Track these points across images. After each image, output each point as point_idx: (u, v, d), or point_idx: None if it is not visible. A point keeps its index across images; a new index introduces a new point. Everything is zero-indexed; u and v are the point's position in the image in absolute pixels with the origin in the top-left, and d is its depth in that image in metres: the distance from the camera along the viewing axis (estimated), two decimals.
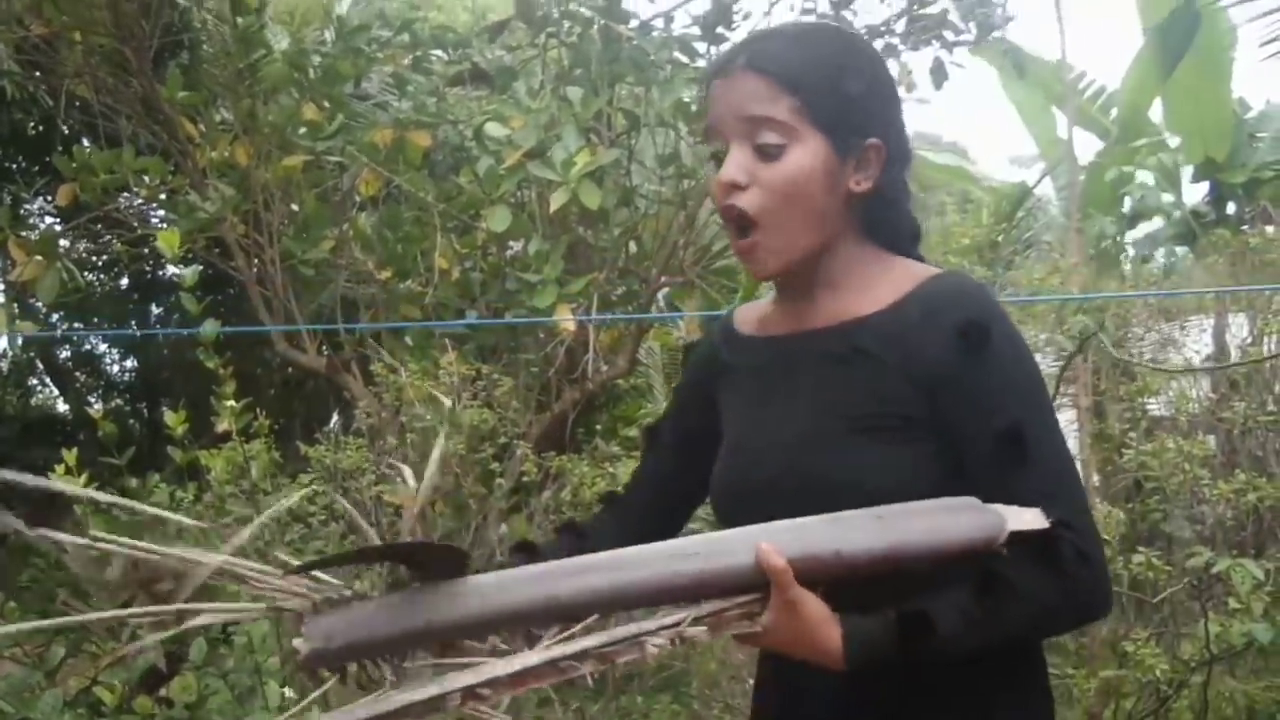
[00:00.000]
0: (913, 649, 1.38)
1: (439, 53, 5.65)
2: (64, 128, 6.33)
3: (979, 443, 1.47)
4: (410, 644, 1.28)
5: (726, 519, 1.58)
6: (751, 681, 1.78)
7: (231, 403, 3.51)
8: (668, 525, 1.79)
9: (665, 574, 1.36)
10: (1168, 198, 12.20)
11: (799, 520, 1.42)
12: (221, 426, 3.57)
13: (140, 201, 5.89)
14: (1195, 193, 12.75)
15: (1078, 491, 1.52)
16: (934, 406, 1.49)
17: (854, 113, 1.55)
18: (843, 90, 1.54)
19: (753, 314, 1.75)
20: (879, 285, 1.57)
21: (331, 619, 1.26)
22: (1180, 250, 10.78)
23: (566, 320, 4.70)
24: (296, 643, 1.24)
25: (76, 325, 8.43)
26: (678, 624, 1.34)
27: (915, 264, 1.62)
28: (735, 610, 1.38)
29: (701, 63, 5.02)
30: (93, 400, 9.47)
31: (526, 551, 1.64)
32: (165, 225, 5.75)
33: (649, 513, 1.80)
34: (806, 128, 1.52)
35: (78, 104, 5.96)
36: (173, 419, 3.55)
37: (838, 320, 1.57)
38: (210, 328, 3.48)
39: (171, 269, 7.29)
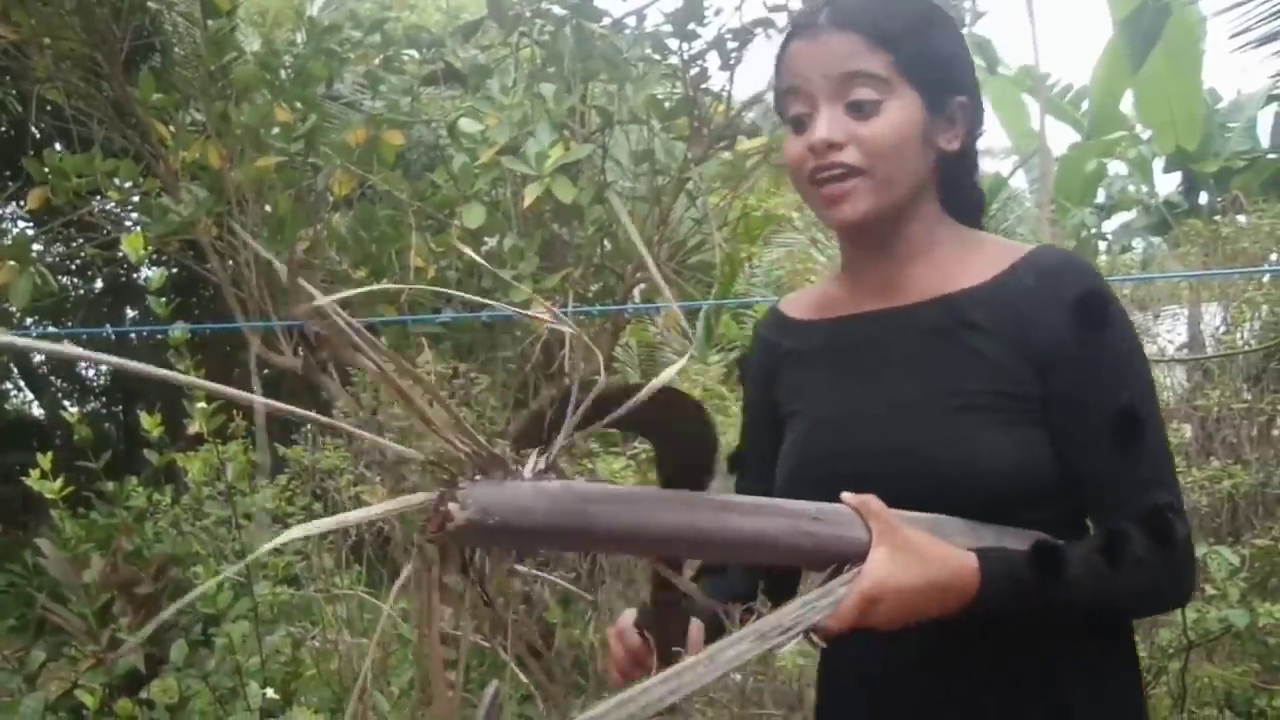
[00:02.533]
0: (1039, 584, 1.34)
1: (412, 52, 5.64)
2: (35, 132, 6.30)
3: (1094, 421, 1.43)
4: (561, 542, 1.20)
5: (805, 496, 1.46)
6: (739, 678, 1.76)
7: (202, 404, 3.49)
8: None
9: (798, 531, 1.31)
10: (1141, 188, 12.28)
11: (934, 515, 1.38)
12: (193, 428, 3.55)
13: (113, 205, 5.87)
14: (1168, 183, 12.84)
15: (1176, 474, 1.50)
16: (1046, 383, 1.45)
17: (944, 69, 1.52)
18: (933, 46, 1.51)
19: (808, 300, 1.70)
20: (972, 258, 1.53)
21: (489, 490, 1.14)
22: (1155, 240, 10.84)
23: (541, 315, 4.69)
24: (452, 507, 1.11)
25: (51, 330, 8.39)
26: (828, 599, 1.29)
27: (1000, 239, 1.61)
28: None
29: (673, 59, 5.02)
30: (68, 404, 9.43)
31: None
32: (139, 229, 5.73)
33: None
34: (901, 83, 1.48)
35: (49, 108, 5.94)
36: (149, 422, 3.55)
37: (936, 293, 1.52)
38: (180, 330, 3.46)
39: (146, 272, 7.26)
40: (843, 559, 1.31)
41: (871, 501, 1.33)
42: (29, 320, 8.01)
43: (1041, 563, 1.35)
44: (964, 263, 1.53)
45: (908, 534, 1.32)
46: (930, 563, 1.32)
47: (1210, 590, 3.39)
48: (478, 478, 1.15)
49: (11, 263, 5.32)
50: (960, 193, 1.60)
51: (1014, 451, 1.42)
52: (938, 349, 1.49)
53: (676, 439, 1.26)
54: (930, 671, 1.45)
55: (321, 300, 1.09)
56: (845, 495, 1.34)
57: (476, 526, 1.12)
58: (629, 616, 1.50)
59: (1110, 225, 12.35)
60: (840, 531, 1.32)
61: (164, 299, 3.55)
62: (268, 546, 1.13)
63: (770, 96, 5.43)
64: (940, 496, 1.40)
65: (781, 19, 4.93)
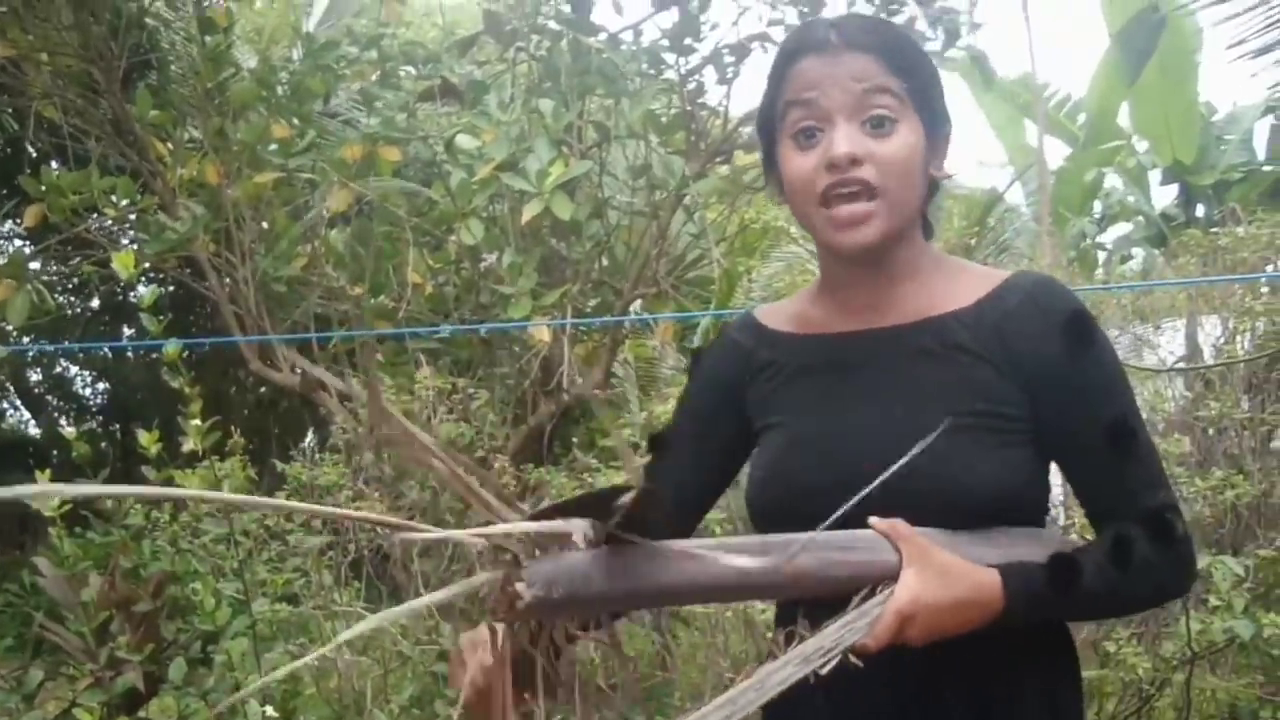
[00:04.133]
0: (1059, 595, 1.41)
1: (409, 68, 5.64)
2: (32, 149, 6.29)
3: (1088, 437, 1.49)
4: (622, 604, 1.28)
5: (788, 517, 1.48)
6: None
7: (197, 421, 3.48)
8: (680, 533, 1.74)
9: (830, 562, 1.36)
10: (1137, 200, 12.29)
11: (947, 531, 1.43)
12: (189, 446, 3.55)
13: (110, 222, 5.86)
14: (1165, 196, 12.85)
15: (1167, 476, 1.57)
16: (1036, 403, 1.50)
17: (936, 100, 1.57)
18: (930, 77, 1.56)
19: (785, 314, 1.70)
20: (955, 282, 1.57)
21: (551, 566, 1.21)
22: (1153, 252, 10.85)
23: (540, 325, 4.69)
24: (519, 587, 1.17)
25: (47, 347, 8.38)
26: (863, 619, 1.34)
27: (976, 265, 1.66)
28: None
29: (670, 74, 5.02)
30: (65, 423, 9.42)
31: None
32: (136, 246, 5.72)
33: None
34: (909, 108, 1.52)
35: (46, 125, 5.93)
36: (146, 439, 3.54)
37: (922, 315, 1.55)
38: (173, 347, 3.45)
39: (143, 289, 7.26)
40: (875, 581, 1.37)
41: (900, 525, 1.39)
42: (25, 338, 8.00)
43: (1059, 575, 1.41)
44: (947, 286, 1.57)
45: (936, 554, 1.38)
46: (959, 581, 1.38)
47: (1214, 601, 3.37)
48: (537, 554, 1.22)
49: (8, 280, 5.31)
50: (926, 219, 1.64)
51: (1002, 472, 1.48)
52: (927, 370, 1.53)
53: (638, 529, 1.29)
54: (887, 671, 1.45)
55: (401, 419, 1.17)
56: (873, 520, 1.39)
57: (544, 602, 1.19)
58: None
59: (1107, 237, 12.36)
60: (871, 557, 1.38)
61: (159, 316, 3.54)
62: (345, 636, 1.16)
63: None
64: (926, 512, 1.43)
65: (778, 34, 4.94)
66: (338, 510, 1.43)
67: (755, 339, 1.70)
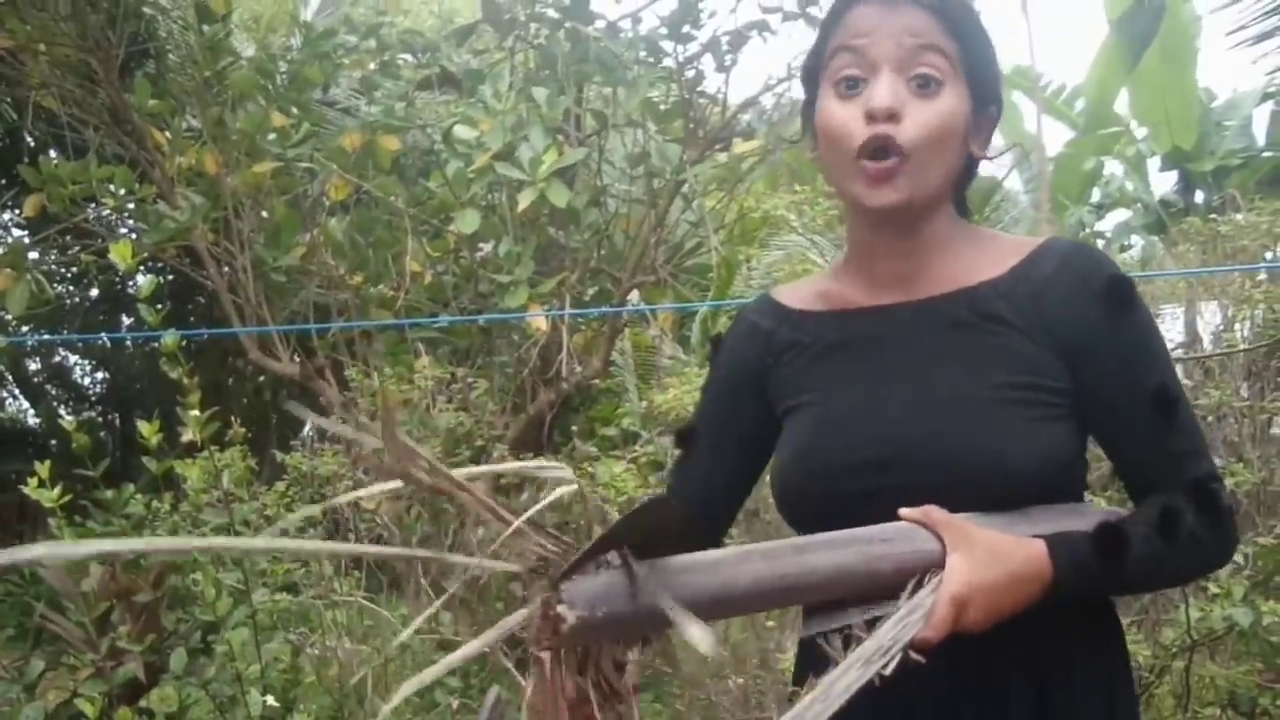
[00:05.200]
0: (1107, 565, 1.35)
1: (407, 57, 5.63)
2: (30, 139, 6.29)
3: (1130, 405, 1.45)
4: (665, 621, 1.16)
5: (823, 498, 1.48)
6: (741, 681, 1.72)
7: (196, 412, 3.48)
8: (716, 530, 1.70)
9: (873, 556, 1.31)
10: (1136, 187, 12.28)
11: (982, 515, 1.38)
12: (187, 436, 3.54)
13: (109, 212, 5.86)
14: (1164, 182, 12.84)
15: (1208, 446, 1.52)
16: (1076, 372, 1.45)
17: (989, 78, 1.51)
18: (986, 52, 1.51)
19: (806, 292, 1.65)
20: (987, 251, 1.53)
21: (591, 585, 1.15)
22: (1152, 239, 10.84)
23: (537, 316, 4.69)
24: (561, 610, 1.12)
25: (46, 337, 8.39)
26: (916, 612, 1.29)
27: (1008, 235, 1.60)
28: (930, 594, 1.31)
29: (668, 62, 5.02)
30: (65, 413, 9.42)
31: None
32: (135, 235, 5.72)
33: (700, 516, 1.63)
34: (959, 75, 1.46)
35: (44, 115, 5.93)
36: (146, 429, 3.53)
37: (955, 286, 1.50)
38: (172, 337, 3.45)
39: (141, 279, 7.27)
40: (921, 572, 1.32)
41: (933, 511, 1.33)
42: (24, 328, 8.00)
43: (1106, 544, 1.36)
44: (979, 256, 1.52)
45: (978, 534, 1.32)
46: (1009, 557, 1.32)
47: (1213, 589, 3.38)
48: (574, 577, 1.16)
49: (7, 270, 5.31)
50: (962, 200, 1.60)
51: (1049, 445, 1.42)
52: (963, 342, 1.48)
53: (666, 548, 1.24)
54: (941, 660, 1.42)
55: (418, 451, 1.10)
56: (904, 511, 1.34)
57: (588, 623, 1.13)
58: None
59: (1106, 225, 12.35)
60: (912, 547, 1.33)
61: (157, 306, 3.54)
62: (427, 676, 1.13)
63: (765, 99, 5.42)
64: (969, 487, 1.39)
65: (776, 21, 4.94)
66: (386, 550, 1.37)
67: (776, 319, 1.65)
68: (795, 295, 1.66)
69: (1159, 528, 1.39)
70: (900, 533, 1.34)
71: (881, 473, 1.41)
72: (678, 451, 1.76)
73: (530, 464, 1.24)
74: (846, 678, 1.21)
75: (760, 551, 1.28)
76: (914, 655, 1.25)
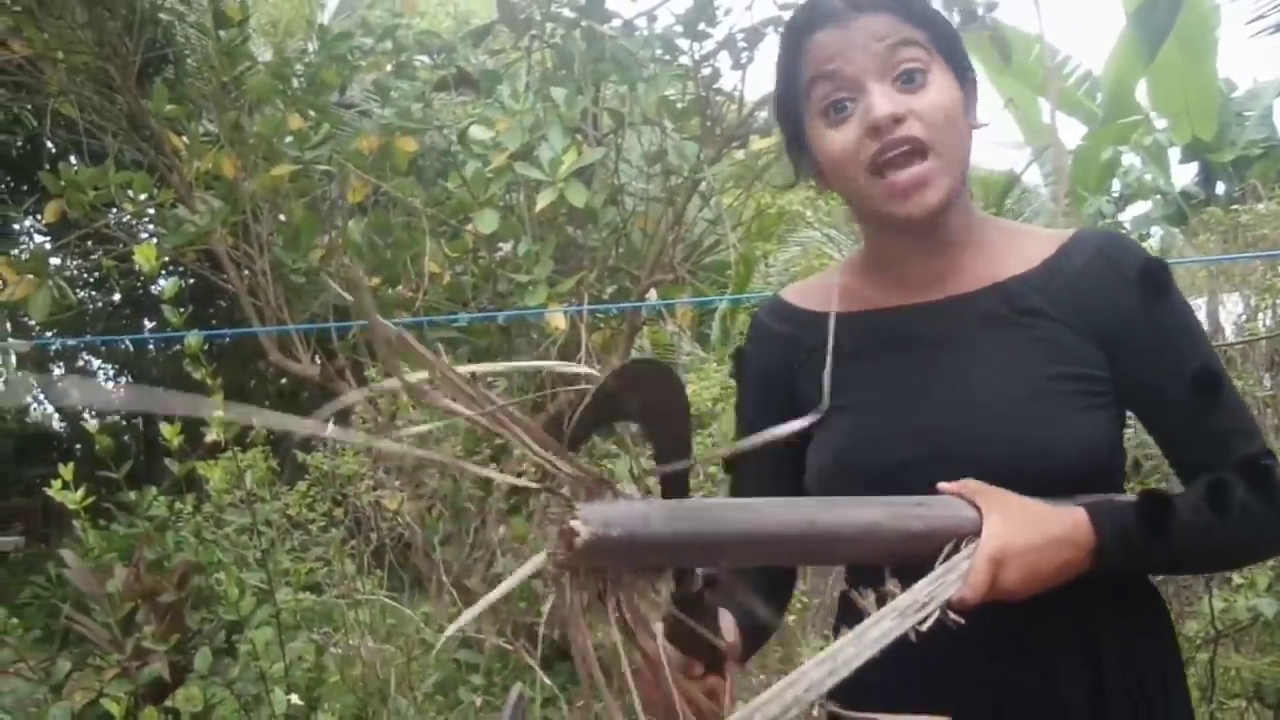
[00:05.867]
0: (1152, 533, 1.34)
1: (423, 58, 5.65)
2: (50, 146, 6.33)
3: (1173, 389, 1.45)
4: (684, 552, 1.18)
5: (864, 491, 1.41)
6: (762, 678, 1.70)
7: (220, 412, 3.50)
8: None
9: (906, 517, 1.30)
10: (1157, 178, 12.23)
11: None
12: (210, 436, 3.57)
13: (129, 217, 5.89)
14: (1185, 174, 12.79)
15: (1257, 425, 1.51)
16: (1115, 361, 1.45)
17: (958, 49, 1.50)
18: (948, 25, 1.50)
19: (820, 292, 1.63)
20: (1016, 244, 1.52)
21: (606, 507, 1.14)
22: (1173, 230, 10.81)
23: (555, 312, 4.70)
24: (575, 524, 1.10)
25: (69, 342, 8.44)
26: (952, 573, 1.27)
27: (1035, 227, 1.61)
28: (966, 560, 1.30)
29: (685, 60, 5.02)
30: (88, 416, 9.47)
31: None
32: (154, 240, 5.75)
33: None
34: (937, 57, 1.46)
35: (63, 122, 5.97)
36: (169, 430, 3.56)
37: (989, 281, 1.50)
38: (195, 338, 3.47)
39: (163, 283, 7.31)
40: (958, 537, 1.31)
41: (970, 482, 1.33)
42: (48, 333, 8.05)
43: (1151, 512, 1.35)
44: (1009, 249, 1.52)
45: (1016, 499, 1.32)
46: (1046, 520, 1.31)
47: (1237, 579, 3.37)
48: (591, 500, 1.15)
49: (30, 276, 5.34)
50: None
51: (1091, 434, 1.42)
52: (1001, 337, 1.47)
53: (665, 417, 1.21)
54: (993, 641, 1.40)
55: (431, 359, 1.10)
56: (942, 485, 1.34)
57: (602, 540, 1.11)
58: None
59: (1126, 216, 12.29)
60: (949, 511, 1.32)
61: (180, 309, 3.56)
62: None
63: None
64: (1015, 482, 1.36)
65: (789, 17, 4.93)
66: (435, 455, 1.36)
67: (796, 325, 1.63)
68: (809, 296, 1.65)
69: (1208, 498, 1.38)
70: (938, 501, 1.34)
71: (925, 473, 1.39)
72: (728, 478, 1.75)
73: (555, 363, 1.24)
74: (880, 627, 1.20)
75: (790, 502, 1.28)
76: (951, 615, 1.24)
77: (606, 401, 1.17)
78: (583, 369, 1.23)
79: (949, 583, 1.27)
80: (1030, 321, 1.47)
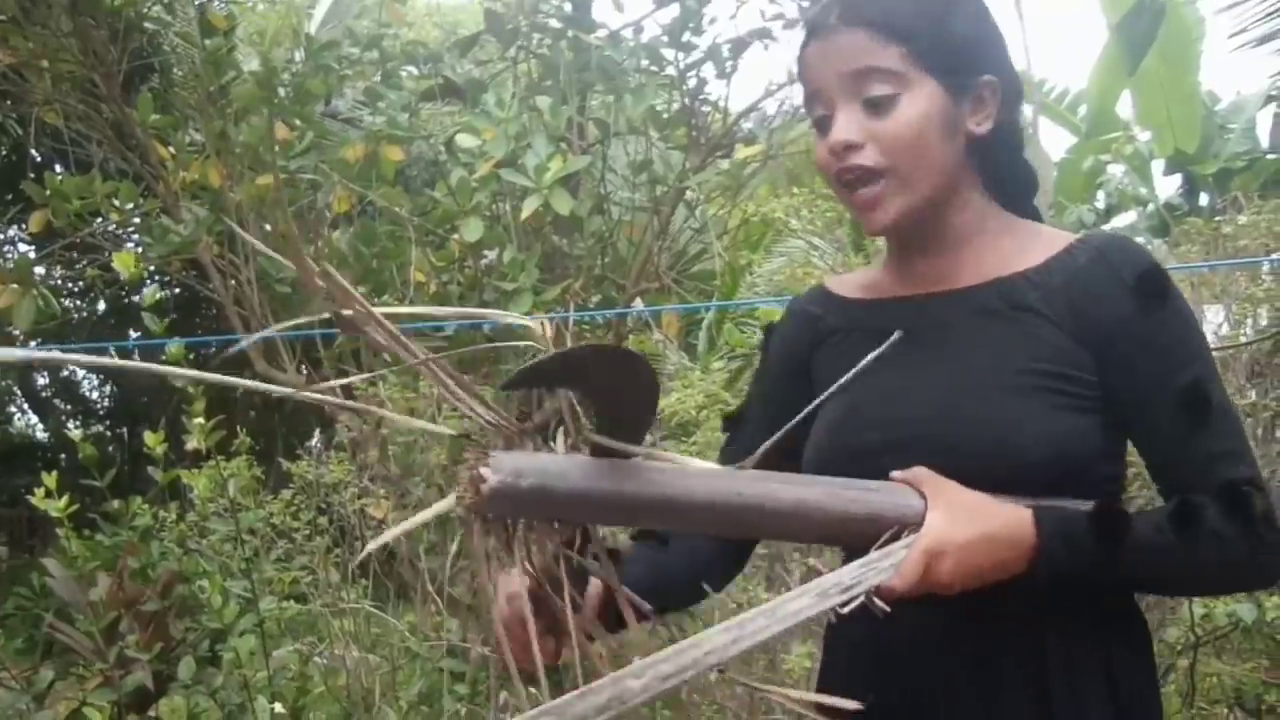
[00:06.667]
0: (1102, 546, 1.33)
1: (410, 68, 5.65)
2: (35, 155, 6.32)
3: (1160, 401, 1.42)
4: (599, 510, 1.18)
5: (841, 464, 1.48)
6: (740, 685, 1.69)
7: (200, 420, 3.50)
8: None
9: (845, 499, 1.30)
10: (1141, 190, 12.28)
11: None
12: (191, 445, 3.57)
13: (114, 227, 5.88)
14: (1169, 186, 12.83)
15: (1251, 449, 1.48)
16: (1105, 366, 1.43)
17: (963, 51, 1.50)
18: (949, 29, 1.48)
19: (855, 281, 1.69)
20: (1024, 243, 1.53)
21: (520, 457, 1.14)
22: (1155, 242, 10.85)
23: (540, 319, 4.70)
24: (484, 470, 1.11)
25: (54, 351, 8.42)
26: (887, 561, 1.27)
27: (1051, 228, 1.59)
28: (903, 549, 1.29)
29: (670, 70, 5.04)
30: (72, 426, 9.44)
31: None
32: (140, 249, 5.75)
33: None
34: (916, 73, 1.46)
35: (48, 131, 5.96)
36: (152, 439, 3.56)
37: (992, 276, 1.51)
38: (176, 346, 3.47)
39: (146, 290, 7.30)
40: (900, 525, 1.31)
41: (920, 471, 1.35)
42: (32, 343, 8.03)
43: (1102, 524, 1.34)
44: (1015, 247, 1.53)
45: (963, 493, 1.33)
46: (988, 517, 1.32)
47: None
48: (509, 449, 1.16)
49: (14, 285, 5.32)
50: (1004, 171, 1.59)
51: (1063, 434, 1.41)
52: (993, 330, 1.48)
53: (619, 400, 1.21)
54: (931, 651, 1.43)
55: (353, 292, 1.12)
56: (894, 473, 1.35)
57: (510, 489, 1.12)
58: (516, 581, 1.34)
59: (1110, 227, 12.34)
60: (894, 499, 1.32)
61: (161, 317, 3.56)
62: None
63: (767, 104, 5.45)
64: (977, 470, 1.37)
65: (779, 28, 4.95)
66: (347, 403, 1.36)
67: (824, 306, 1.68)
68: (844, 284, 1.70)
69: (1174, 519, 1.36)
70: (884, 487, 1.34)
71: (894, 455, 1.41)
72: (725, 436, 1.78)
73: (491, 311, 1.25)
74: (799, 602, 1.20)
75: (720, 471, 1.27)
76: (877, 602, 1.25)
77: (557, 368, 1.17)
78: (529, 321, 1.24)
79: (881, 569, 1.27)
80: (1023, 316, 1.47)
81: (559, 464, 1.16)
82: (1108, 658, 1.45)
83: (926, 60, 1.46)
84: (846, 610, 1.23)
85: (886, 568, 1.27)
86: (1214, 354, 4.42)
